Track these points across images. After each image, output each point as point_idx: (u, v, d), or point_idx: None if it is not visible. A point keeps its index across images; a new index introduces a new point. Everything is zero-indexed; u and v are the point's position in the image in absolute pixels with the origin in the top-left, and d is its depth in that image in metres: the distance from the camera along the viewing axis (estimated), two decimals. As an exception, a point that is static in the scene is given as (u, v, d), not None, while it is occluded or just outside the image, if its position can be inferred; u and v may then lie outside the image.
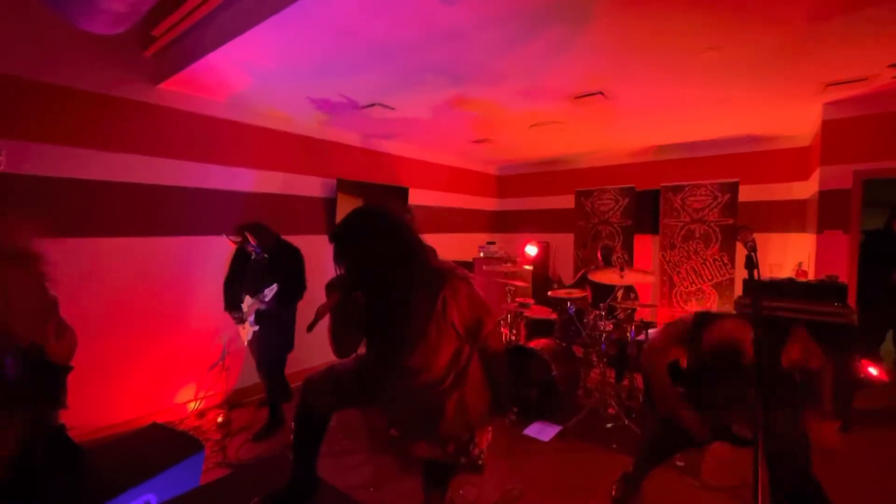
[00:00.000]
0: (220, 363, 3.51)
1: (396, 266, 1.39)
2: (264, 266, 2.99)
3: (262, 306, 2.94)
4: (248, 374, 3.72)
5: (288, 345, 3.10)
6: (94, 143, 3.01)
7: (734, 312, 2.24)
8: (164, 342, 3.38)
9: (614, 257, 4.42)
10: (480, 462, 1.52)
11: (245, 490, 1.62)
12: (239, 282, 3.10)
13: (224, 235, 3.16)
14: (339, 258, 1.40)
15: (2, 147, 2.61)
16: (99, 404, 3.00)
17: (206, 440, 2.92)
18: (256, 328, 3.00)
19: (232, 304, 3.09)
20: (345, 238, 1.41)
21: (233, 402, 3.64)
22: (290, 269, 3.02)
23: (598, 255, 4.31)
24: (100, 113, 3.03)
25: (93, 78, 2.97)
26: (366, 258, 1.38)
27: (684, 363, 2.08)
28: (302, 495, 1.58)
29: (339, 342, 1.52)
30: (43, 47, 2.76)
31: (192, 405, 3.50)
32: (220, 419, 3.27)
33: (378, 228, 1.40)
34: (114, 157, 3.10)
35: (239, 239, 3.03)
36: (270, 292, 2.90)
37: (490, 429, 1.58)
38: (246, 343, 3.13)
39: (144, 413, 3.21)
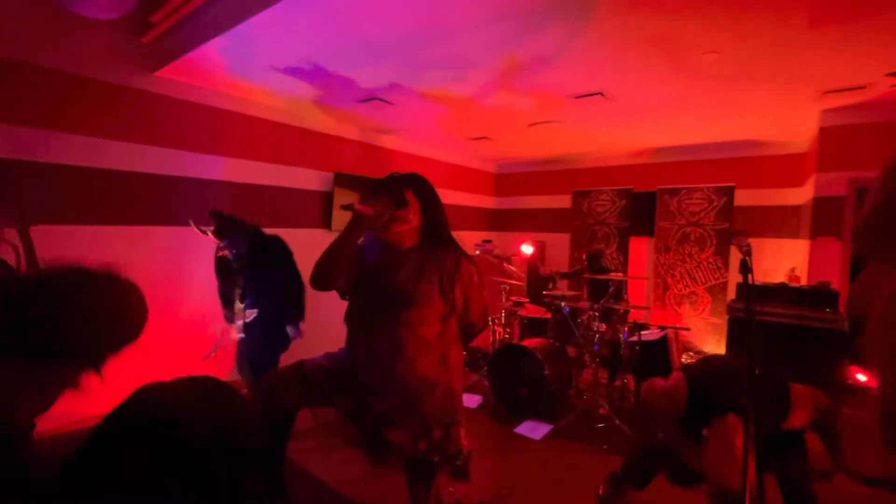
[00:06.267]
0: (212, 354, 3.48)
1: (444, 228, 1.61)
2: (248, 270, 2.77)
3: (242, 319, 2.81)
4: (240, 366, 3.70)
5: (280, 346, 2.88)
6: (87, 129, 2.97)
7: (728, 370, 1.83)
8: (156, 332, 3.35)
9: (604, 261, 4.35)
10: (460, 463, 1.50)
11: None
12: (226, 288, 2.93)
13: (192, 225, 2.87)
14: (400, 193, 1.52)
15: (-7, 131, 2.58)
16: (82, 395, 2.97)
17: (196, 432, 2.89)
18: (242, 335, 2.87)
19: (227, 304, 2.96)
20: (423, 183, 1.59)
21: (224, 394, 3.62)
22: (277, 262, 2.78)
23: (584, 258, 4.23)
24: (94, 99, 2.99)
25: (87, 63, 2.93)
26: (431, 207, 1.58)
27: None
28: None
29: (329, 260, 1.52)
30: (37, 29, 2.71)
31: (182, 396, 3.47)
32: (210, 411, 3.24)
33: (439, 196, 1.65)
34: (106, 144, 3.07)
35: (206, 231, 2.78)
36: (251, 315, 2.75)
37: (464, 430, 1.57)
38: (237, 340, 2.99)
39: (134, 403, 3.19)
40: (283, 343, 2.93)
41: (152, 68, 3.19)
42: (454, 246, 1.61)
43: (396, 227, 1.51)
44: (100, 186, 3.05)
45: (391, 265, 1.54)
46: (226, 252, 2.79)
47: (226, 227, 2.73)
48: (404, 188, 1.53)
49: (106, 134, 3.06)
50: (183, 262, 3.50)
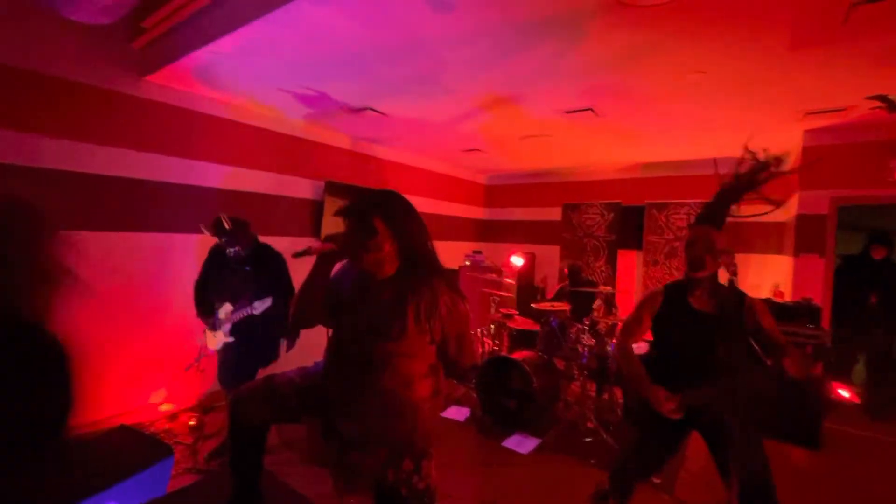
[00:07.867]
0: (195, 365, 3.42)
1: (424, 253, 1.45)
2: (246, 272, 2.78)
3: (247, 313, 2.71)
4: (224, 376, 3.63)
5: (268, 358, 2.88)
6: (75, 134, 2.93)
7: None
8: (138, 340, 3.28)
9: (584, 274, 4.37)
10: (427, 500, 1.42)
11: (214, 497, 1.58)
12: (213, 286, 2.88)
13: (201, 227, 2.87)
14: (366, 221, 1.38)
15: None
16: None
17: (176, 444, 2.84)
18: (231, 339, 2.79)
19: (205, 309, 2.88)
20: (393, 206, 1.44)
21: (206, 406, 3.55)
22: (280, 274, 2.82)
23: (566, 273, 4.27)
24: (84, 104, 2.95)
25: (78, 68, 2.90)
26: (404, 231, 1.42)
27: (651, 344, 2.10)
28: None
29: (302, 303, 1.46)
30: (28, 34, 2.68)
31: (164, 407, 3.39)
32: (192, 422, 3.17)
33: (417, 215, 1.47)
34: (95, 149, 3.02)
35: (213, 232, 2.76)
36: (262, 305, 2.67)
37: (434, 462, 1.48)
38: (213, 350, 2.92)
39: (115, 413, 3.10)
40: (274, 353, 2.89)
41: (142, 73, 3.17)
42: (433, 273, 1.45)
43: (368, 258, 1.39)
44: (85, 191, 3.00)
45: (367, 297, 1.43)
46: (225, 248, 2.75)
47: (234, 229, 2.73)
48: (371, 215, 1.38)
49: (93, 138, 3.02)
50: (169, 269, 3.44)
